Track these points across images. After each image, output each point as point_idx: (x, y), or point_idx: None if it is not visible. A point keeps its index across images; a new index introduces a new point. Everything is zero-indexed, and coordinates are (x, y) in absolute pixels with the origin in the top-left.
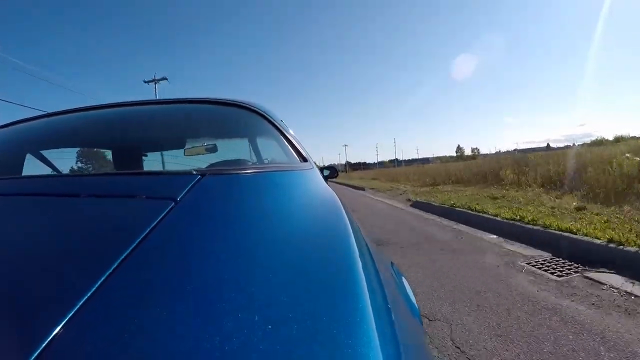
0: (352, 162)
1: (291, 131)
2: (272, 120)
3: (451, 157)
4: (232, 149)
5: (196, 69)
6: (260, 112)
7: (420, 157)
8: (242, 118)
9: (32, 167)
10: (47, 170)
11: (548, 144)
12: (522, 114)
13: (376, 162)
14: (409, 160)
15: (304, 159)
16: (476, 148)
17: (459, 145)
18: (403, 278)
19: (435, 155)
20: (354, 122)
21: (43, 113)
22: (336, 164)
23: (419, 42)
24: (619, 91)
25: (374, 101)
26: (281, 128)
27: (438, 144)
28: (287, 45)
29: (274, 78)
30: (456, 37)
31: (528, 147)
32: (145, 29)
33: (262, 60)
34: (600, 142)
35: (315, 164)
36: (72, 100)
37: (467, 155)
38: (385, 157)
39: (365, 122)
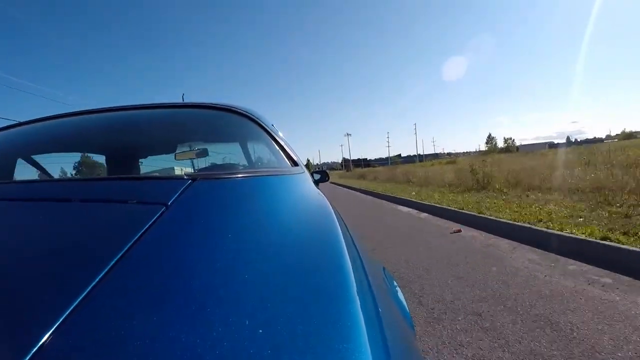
0: (348, 158)
1: (282, 135)
2: (262, 124)
3: (478, 151)
4: (223, 153)
5: (203, 70)
6: (251, 116)
7: (423, 153)
8: (233, 122)
9: (23, 171)
10: (39, 175)
11: (568, 137)
12: (513, 112)
13: (383, 157)
14: (412, 156)
15: (295, 163)
16: (510, 138)
17: (489, 135)
18: (395, 283)
19: (446, 151)
20: (351, 116)
21: (35, 118)
22: (330, 162)
23: (419, 42)
24: (608, 89)
25: (369, 98)
26: (272, 132)
27: (432, 141)
28: (291, 41)
29: (278, 73)
30: (449, 41)
31: (520, 144)
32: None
33: (266, 55)
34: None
35: (307, 166)
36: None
37: (500, 148)
38: (383, 153)
39: (362, 118)
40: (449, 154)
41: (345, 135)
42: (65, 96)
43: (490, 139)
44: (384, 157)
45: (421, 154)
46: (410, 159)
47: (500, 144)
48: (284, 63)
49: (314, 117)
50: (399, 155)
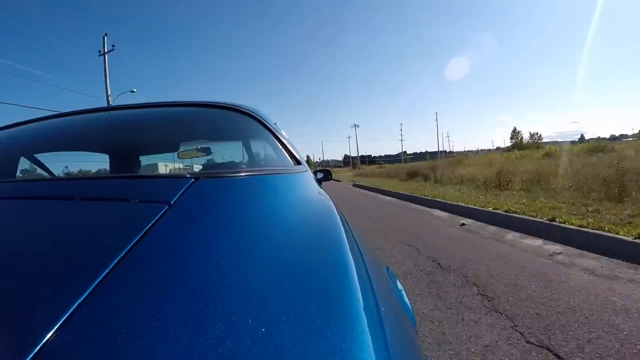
0: (353, 155)
1: (284, 134)
2: (265, 123)
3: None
4: (226, 152)
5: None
6: (254, 115)
7: (446, 149)
8: (236, 121)
9: (26, 170)
10: (41, 174)
11: (582, 135)
12: (511, 111)
13: (390, 154)
14: (421, 154)
15: (298, 162)
16: (536, 133)
17: (515, 129)
18: (397, 281)
19: (454, 149)
20: (352, 115)
21: (37, 117)
22: (330, 160)
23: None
24: (607, 89)
25: (369, 97)
26: (274, 131)
27: (448, 136)
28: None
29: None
30: (449, 41)
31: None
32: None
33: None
34: None
35: (308, 163)
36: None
37: (527, 144)
38: (387, 150)
39: (363, 117)
40: (446, 151)
41: (352, 127)
42: (86, 88)
43: (515, 134)
44: (390, 154)
45: (430, 150)
46: (420, 156)
47: (510, 141)
48: (280, 61)
49: (312, 115)
50: (405, 152)
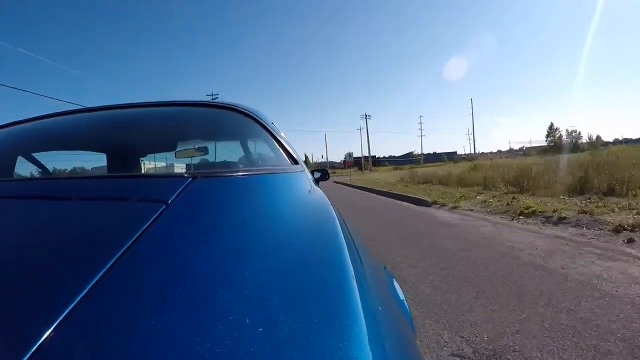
0: (361, 154)
1: (282, 134)
2: (263, 123)
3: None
4: (223, 151)
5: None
6: (251, 115)
7: (469, 151)
8: (234, 121)
9: (23, 169)
10: (39, 173)
11: (599, 137)
12: (510, 114)
13: (395, 155)
14: (437, 154)
15: (295, 162)
16: (574, 130)
17: (551, 125)
18: (394, 280)
19: (455, 151)
20: (352, 114)
21: (35, 116)
22: (328, 160)
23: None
24: (608, 89)
25: (367, 97)
26: (272, 131)
27: (467, 135)
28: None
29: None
30: (446, 41)
31: (518, 147)
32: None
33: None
34: None
35: (306, 163)
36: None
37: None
38: (389, 151)
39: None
40: (457, 153)
41: (361, 117)
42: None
43: (552, 131)
44: (394, 155)
45: (437, 152)
46: (430, 158)
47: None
48: (280, 61)
49: (312, 114)
50: (410, 153)
